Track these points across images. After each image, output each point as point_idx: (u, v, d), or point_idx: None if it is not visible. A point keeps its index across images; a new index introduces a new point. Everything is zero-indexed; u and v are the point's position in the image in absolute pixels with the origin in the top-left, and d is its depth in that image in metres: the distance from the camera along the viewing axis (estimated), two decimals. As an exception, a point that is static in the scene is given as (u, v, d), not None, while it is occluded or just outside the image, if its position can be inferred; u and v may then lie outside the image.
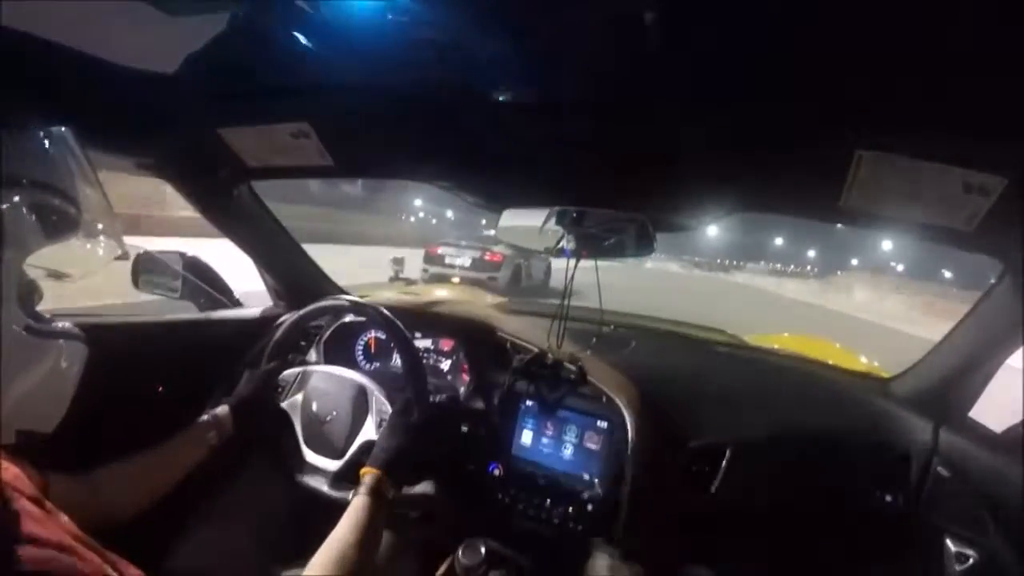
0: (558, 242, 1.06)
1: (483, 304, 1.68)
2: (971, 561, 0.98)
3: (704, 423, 1.14)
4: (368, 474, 0.82)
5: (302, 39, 0.69)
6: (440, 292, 2.46)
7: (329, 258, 1.72)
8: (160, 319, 1.26)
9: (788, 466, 1.13)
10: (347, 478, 0.94)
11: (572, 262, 1.07)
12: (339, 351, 1.31)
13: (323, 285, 1.51)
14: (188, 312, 1.37)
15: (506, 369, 1.21)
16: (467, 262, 9.01)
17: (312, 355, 1.28)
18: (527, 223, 1.08)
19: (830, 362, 1.48)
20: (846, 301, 23.50)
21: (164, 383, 1.18)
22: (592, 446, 1.10)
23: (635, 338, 1.43)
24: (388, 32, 0.64)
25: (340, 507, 0.80)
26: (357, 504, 0.77)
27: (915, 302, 20.50)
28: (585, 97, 0.75)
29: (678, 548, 1.13)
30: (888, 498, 1.08)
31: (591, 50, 0.65)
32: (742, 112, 0.72)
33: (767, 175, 0.86)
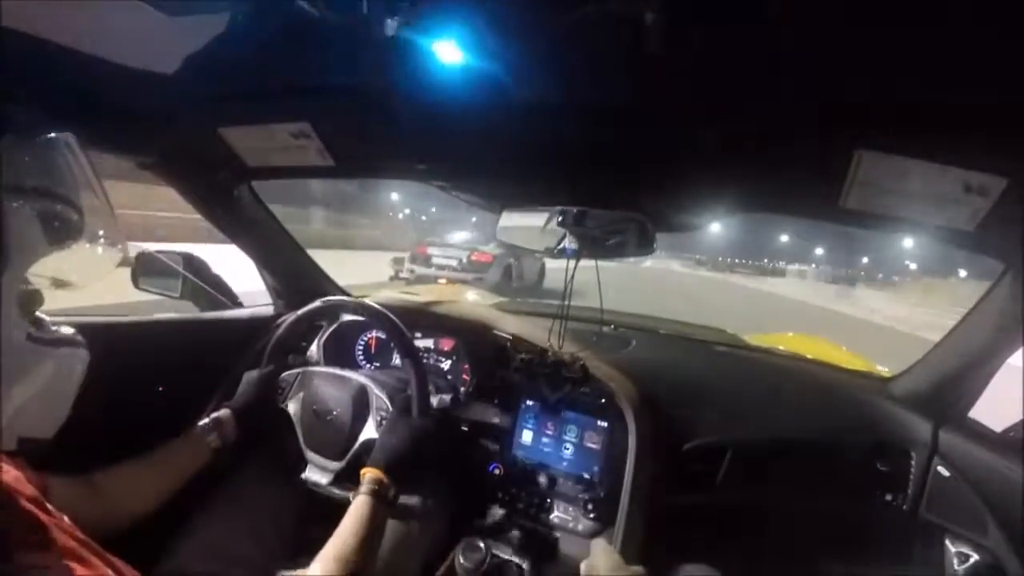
0: (558, 242, 1.06)
1: (484, 304, 1.68)
2: (971, 561, 0.98)
3: (704, 423, 1.14)
4: (368, 474, 0.82)
5: (302, 39, 0.69)
6: (440, 292, 2.46)
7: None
8: (160, 319, 1.26)
9: (788, 466, 1.13)
10: (348, 478, 0.95)
11: (572, 262, 1.07)
12: (339, 351, 1.31)
13: (323, 285, 1.51)
14: (188, 312, 1.37)
15: (506, 369, 1.21)
16: (453, 262, 8.76)
17: (312, 355, 1.28)
18: (527, 223, 1.08)
19: (830, 362, 1.48)
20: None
21: (164, 383, 1.18)
22: (592, 446, 1.10)
23: (635, 338, 1.43)
24: (389, 32, 0.64)
25: (341, 507, 0.80)
26: (358, 504, 0.77)
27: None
28: (585, 98, 0.75)
29: (678, 548, 1.13)
30: (888, 498, 1.08)
31: (591, 51, 0.65)
32: (742, 112, 0.72)
33: (767, 175, 0.86)
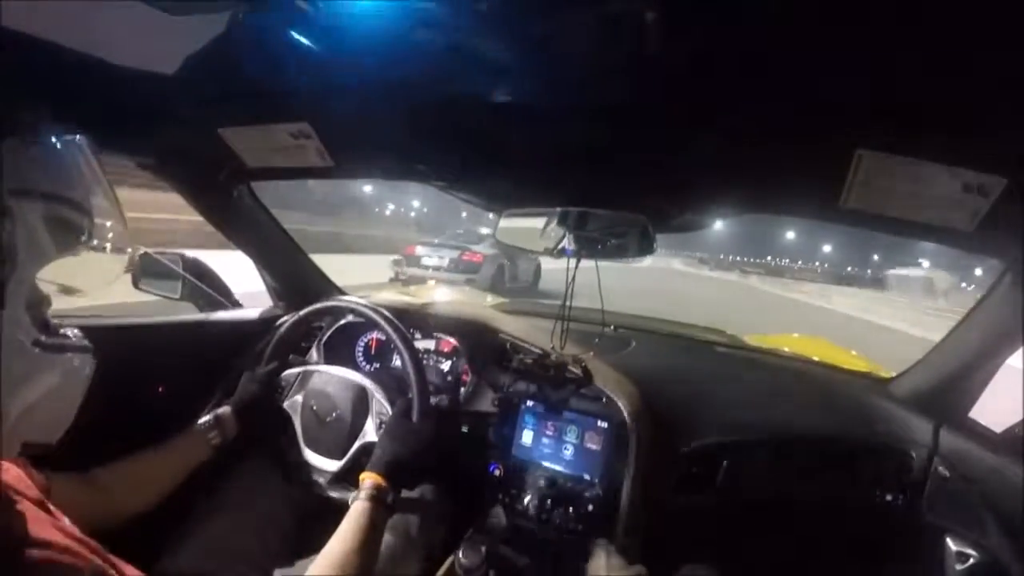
0: (559, 243, 1.06)
1: (484, 305, 1.68)
2: (971, 561, 0.98)
3: (704, 423, 1.14)
4: (368, 479, 0.81)
5: (302, 39, 0.69)
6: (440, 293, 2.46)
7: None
8: (161, 320, 1.26)
9: (788, 466, 1.13)
10: (347, 479, 0.95)
11: (573, 263, 1.07)
12: (339, 352, 1.31)
13: (323, 286, 1.51)
14: (188, 313, 1.37)
15: (507, 370, 1.21)
16: (444, 263, 8.56)
17: (312, 356, 1.28)
18: (527, 224, 1.09)
19: (830, 362, 1.48)
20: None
21: (165, 384, 1.18)
22: (593, 446, 1.10)
23: (635, 339, 1.43)
24: (388, 33, 0.64)
25: (340, 508, 0.80)
26: (357, 509, 0.77)
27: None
28: (585, 98, 0.75)
29: (678, 548, 1.13)
30: (888, 498, 1.08)
31: (591, 50, 0.65)
32: (742, 113, 0.72)
33: (767, 176, 0.87)
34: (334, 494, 0.95)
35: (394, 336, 1.02)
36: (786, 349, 1.63)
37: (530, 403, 1.17)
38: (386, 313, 1.03)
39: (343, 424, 0.98)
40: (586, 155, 0.90)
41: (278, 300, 1.49)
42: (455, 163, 1.04)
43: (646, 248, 1.03)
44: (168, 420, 0.94)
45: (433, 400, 1.02)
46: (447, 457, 1.14)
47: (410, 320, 1.09)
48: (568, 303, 1.10)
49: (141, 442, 0.86)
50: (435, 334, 1.33)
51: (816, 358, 1.54)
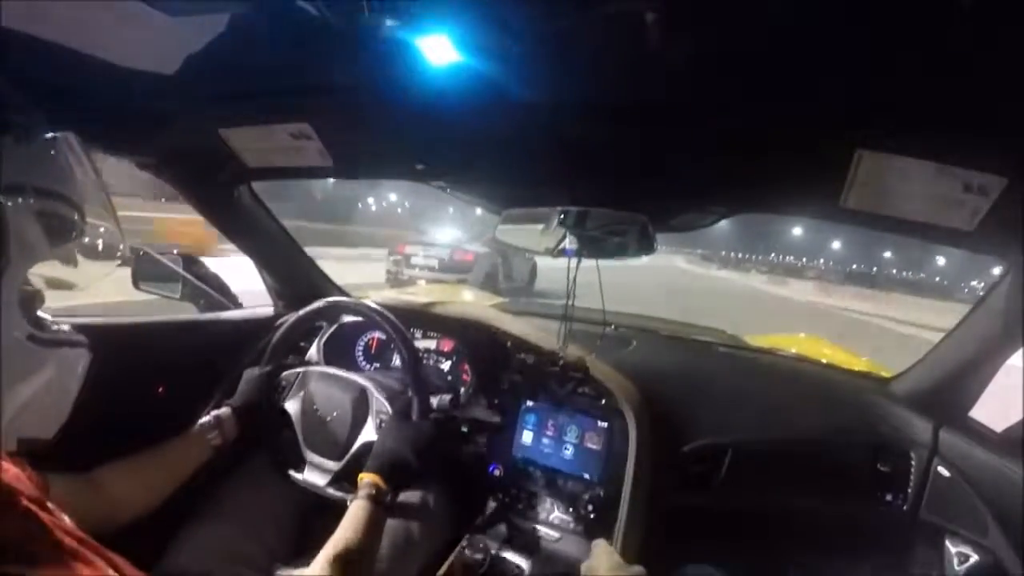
0: (559, 243, 1.06)
1: (484, 305, 1.68)
2: (971, 561, 0.98)
3: (704, 423, 1.14)
4: (366, 479, 0.81)
5: (302, 39, 0.69)
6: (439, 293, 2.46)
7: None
8: (161, 320, 1.26)
9: (788, 466, 1.13)
10: (347, 479, 0.94)
11: (574, 263, 1.07)
12: (339, 352, 1.31)
13: (323, 285, 1.51)
14: (188, 313, 1.37)
15: (506, 369, 1.21)
16: (434, 263, 8.30)
17: (312, 355, 1.28)
18: (528, 224, 1.08)
19: (830, 362, 1.48)
20: None
21: (165, 383, 1.18)
22: (593, 446, 1.10)
23: (636, 338, 1.43)
24: (388, 33, 0.64)
25: (340, 507, 0.80)
26: (356, 509, 0.77)
27: None
28: (586, 98, 0.75)
29: (678, 548, 1.13)
30: (889, 498, 1.08)
31: (592, 50, 0.65)
32: (742, 113, 0.72)
33: (768, 175, 0.87)
34: (334, 494, 0.95)
35: (394, 336, 1.02)
36: (786, 349, 1.63)
37: (530, 403, 1.17)
38: (386, 313, 1.03)
39: (343, 424, 0.98)
40: (586, 155, 0.90)
41: (278, 300, 1.49)
42: (455, 163, 1.04)
43: (646, 247, 1.03)
44: (168, 420, 0.94)
45: (433, 400, 1.02)
46: (447, 457, 1.14)
47: (410, 320, 1.09)
48: (571, 303, 1.10)
49: (141, 442, 0.86)
50: (435, 334, 1.33)
51: (816, 358, 1.54)
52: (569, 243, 1.04)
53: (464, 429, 1.18)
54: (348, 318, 1.29)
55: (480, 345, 1.27)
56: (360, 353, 1.37)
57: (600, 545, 0.93)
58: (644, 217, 1.00)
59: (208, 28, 0.69)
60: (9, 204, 0.47)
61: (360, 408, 0.99)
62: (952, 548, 1.01)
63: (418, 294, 1.56)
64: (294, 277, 1.48)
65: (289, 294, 1.46)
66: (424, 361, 1.31)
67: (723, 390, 1.23)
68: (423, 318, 1.32)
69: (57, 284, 0.58)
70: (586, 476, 1.09)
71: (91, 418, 0.61)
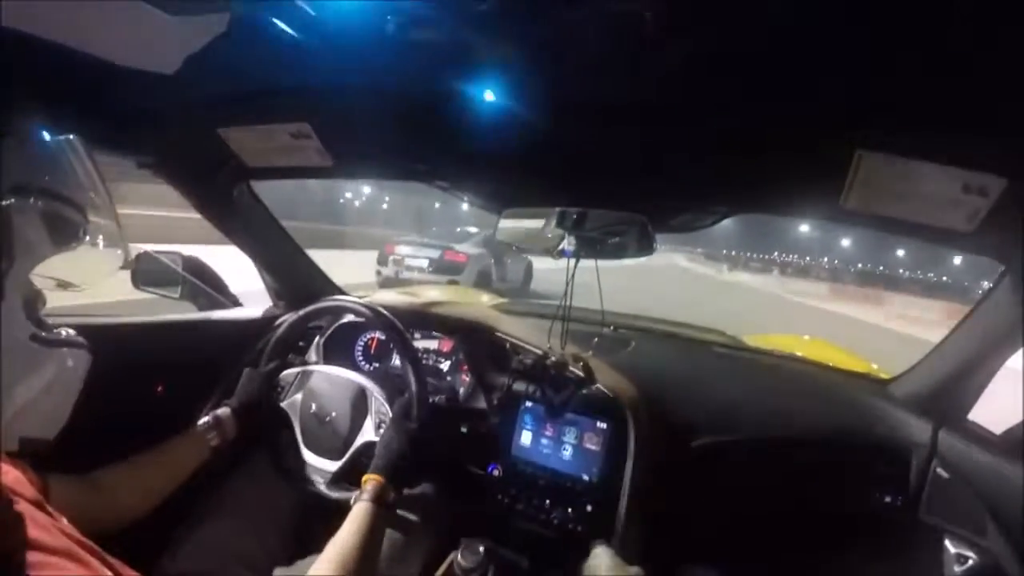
0: (558, 243, 1.06)
1: (484, 305, 1.68)
2: (971, 562, 0.98)
3: (704, 424, 1.14)
4: (370, 481, 0.81)
5: (302, 39, 0.69)
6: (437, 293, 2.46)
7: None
8: (160, 319, 1.26)
9: (788, 467, 1.13)
10: (346, 479, 0.94)
11: (572, 263, 1.07)
12: (339, 351, 1.31)
13: (323, 285, 1.51)
14: (188, 312, 1.37)
15: (506, 370, 1.20)
16: (424, 263, 7.97)
17: (312, 355, 1.28)
18: (527, 224, 1.09)
19: (830, 363, 1.48)
20: None
21: (164, 383, 1.18)
22: (592, 447, 1.10)
23: (635, 339, 1.43)
24: (388, 33, 0.65)
25: (339, 508, 0.80)
26: (359, 511, 0.77)
27: None
28: (586, 98, 0.75)
29: (678, 548, 1.13)
30: (888, 499, 1.08)
31: (591, 50, 0.65)
32: (742, 113, 0.72)
33: (767, 175, 0.87)
34: (333, 494, 0.95)
35: (393, 336, 1.02)
36: (786, 349, 1.62)
37: (529, 403, 1.17)
38: (385, 313, 1.03)
39: (342, 424, 0.98)
40: (586, 155, 0.90)
41: (277, 299, 1.49)
42: (455, 163, 1.04)
43: (646, 248, 1.03)
44: (167, 420, 0.94)
45: (432, 400, 1.02)
46: (446, 458, 1.14)
47: (409, 320, 1.09)
48: (568, 303, 1.10)
49: (140, 442, 0.86)
50: (434, 334, 1.33)
51: (816, 359, 1.54)
52: (568, 243, 1.04)
53: (463, 429, 1.18)
54: (347, 318, 1.29)
55: (479, 345, 1.27)
56: (359, 353, 1.37)
57: (599, 546, 0.93)
58: (643, 217, 1.00)
59: (208, 28, 0.69)
60: (13, 205, 0.48)
61: (359, 408, 0.99)
62: (951, 549, 1.01)
63: (419, 294, 1.56)
64: (294, 277, 1.48)
65: (288, 294, 1.46)
66: (423, 361, 1.31)
67: (722, 391, 1.23)
68: (422, 318, 1.32)
69: (60, 285, 0.58)
70: (585, 476, 1.09)
71: (90, 418, 0.61)
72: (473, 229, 9.44)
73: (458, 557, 0.98)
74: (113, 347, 0.82)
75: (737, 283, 24.61)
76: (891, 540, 1.12)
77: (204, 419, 0.95)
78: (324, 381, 1.04)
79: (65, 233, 0.54)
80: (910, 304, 20.41)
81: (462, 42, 0.66)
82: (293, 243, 1.45)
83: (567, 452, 1.12)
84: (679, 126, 0.79)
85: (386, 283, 7.84)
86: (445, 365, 1.32)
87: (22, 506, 0.45)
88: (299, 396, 1.04)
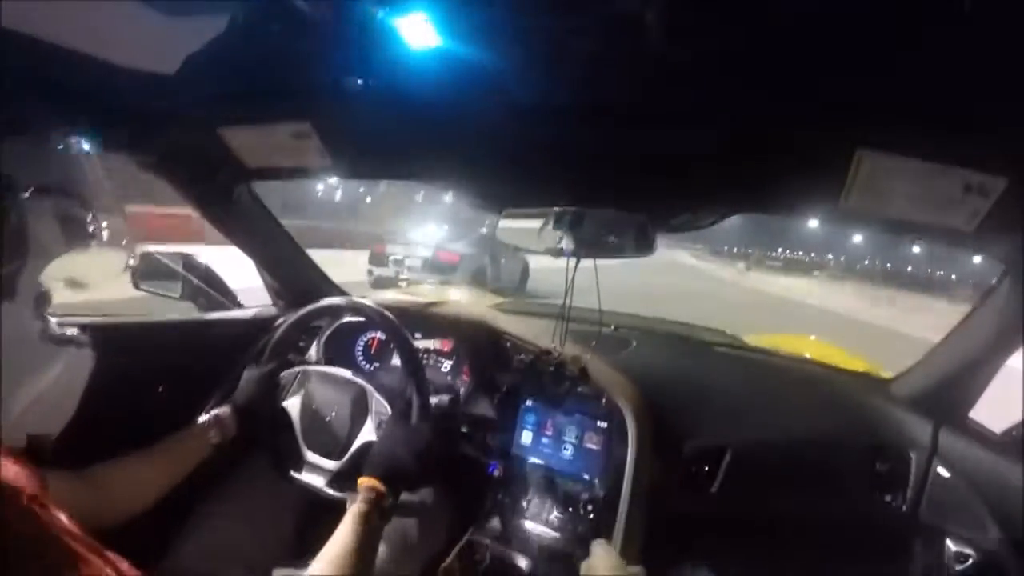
0: (558, 243, 1.06)
1: (484, 305, 1.68)
2: (971, 561, 0.98)
3: (704, 424, 1.14)
4: (366, 483, 0.81)
5: (302, 39, 0.69)
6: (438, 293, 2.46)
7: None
8: (161, 319, 1.26)
9: (788, 466, 1.13)
10: (346, 478, 0.94)
11: (572, 263, 1.07)
12: (339, 351, 1.31)
13: (323, 285, 1.51)
14: (188, 312, 1.37)
15: (506, 369, 1.20)
16: (416, 263, 7.85)
17: (312, 355, 1.28)
18: (526, 224, 1.08)
19: (830, 363, 1.48)
20: None
21: (165, 382, 1.18)
22: (592, 446, 1.10)
23: (635, 339, 1.43)
24: (388, 33, 0.65)
25: (339, 507, 0.80)
26: (355, 512, 0.77)
27: None
28: (585, 97, 0.75)
29: (678, 548, 1.13)
30: (888, 498, 1.08)
31: (591, 51, 0.65)
32: (742, 113, 0.72)
33: (768, 175, 0.86)
34: (333, 494, 0.95)
35: (393, 336, 1.02)
36: (786, 349, 1.63)
37: (529, 403, 1.17)
38: (385, 313, 1.03)
39: (342, 424, 0.98)
40: (586, 155, 0.90)
41: (277, 299, 1.49)
42: (455, 163, 1.04)
43: (645, 248, 1.03)
44: (168, 419, 0.94)
45: (432, 400, 1.02)
46: (447, 457, 1.14)
47: (410, 320, 1.09)
48: (568, 302, 1.10)
49: (140, 441, 0.86)
50: (435, 334, 1.33)
51: (816, 358, 1.54)
52: (567, 243, 1.04)
53: (464, 429, 1.18)
54: (348, 318, 1.29)
55: (480, 345, 1.27)
56: (360, 353, 1.37)
57: (599, 545, 0.93)
58: (643, 217, 0.99)
59: (208, 28, 0.69)
60: (27, 205, 0.48)
61: (359, 408, 0.99)
62: (952, 548, 1.01)
63: (420, 295, 1.56)
64: (294, 277, 1.48)
65: (289, 294, 1.46)
66: (424, 361, 1.31)
67: (723, 391, 1.23)
68: (423, 318, 1.32)
69: (69, 283, 0.59)
70: (585, 476, 1.09)
71: (91, 416, 0.62)
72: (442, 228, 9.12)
73: (458, 557, 0.98)
74: (114, 346, 0.83)
75: (765, 289, 20.16)
76: (891, 540, 1.12)
77: (204, 417, 0.95)
78: (324, 381, 1.04)
79: (77, 232, 0.54)
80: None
81: (462, 42, 0.66)
82: (293, 243, 1.45)
83: (568, 452, 1.12)
84: (679, 126, 0.79)
85: (378, 283, 7.75)
86: (445, 365, 1.32)
87: (19, 501, 0.45)
88: (299, 396, 1.04)
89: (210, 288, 1.40)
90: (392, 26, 0.64)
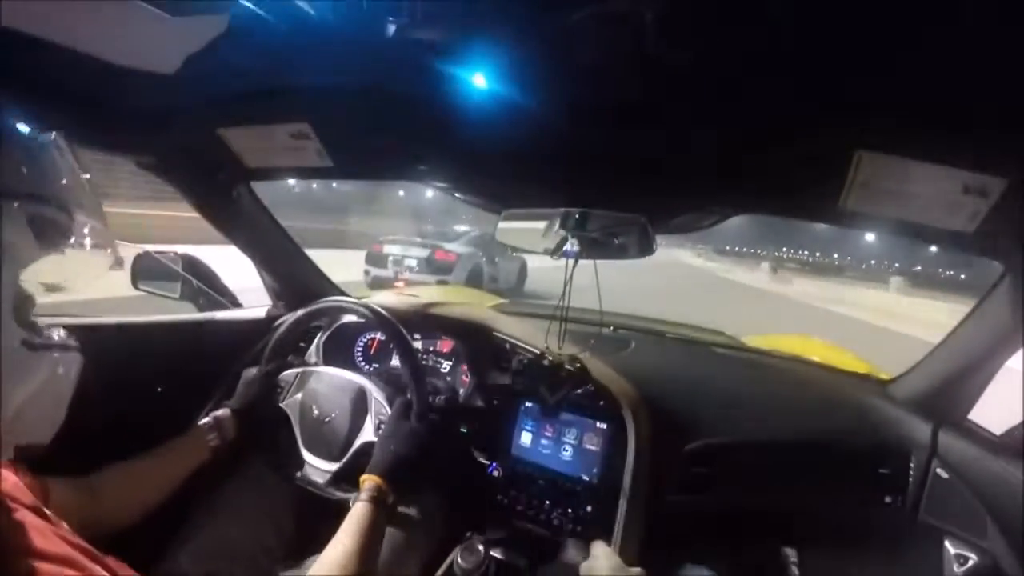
0: (559, 244, 1.06)
1: (484, 305, 1.68)
2: (970, 562, 0.98)
3: (704, 424, 1.14)
4: (368, 481, 0.81)
5: (302, 39, 0.69)
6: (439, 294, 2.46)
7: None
8: (159, 320, 1.26)
9: (788, 467, 1.13)
10: (346, 479, 0.94)
11: (571, 263, 1.07)
12: (338, 352, 1.31)
13: (322, 286, 1.51)
14: (188, 313, 1.37)
15: (506, 370, 1.20)
16: (413, 262, 7.86)
17: (311, 356, 1.28)
18: (528, 225, 1.08)
19: (830, 364, 1.48)
20: None
21: (163, 384, 1.17)
22: (591, 447, 1.10)
23: (635, 339, 1.43)
24: (387, 33, 0.64)
25: (339, 508, 0.80)
26: (357, 511, 0.77)
27: None
28: (585, 98, 0.75)
29: (677, 549, 1.13)
30: (888, 499, 1.08)
31: (592, 51, 0.65)
32: (742, 113, 0.72)
33: (767, 176, 0.86)
34: (333, 494, 0.95)
35: (392, 336, 1.02)
36: (785, 350, 1.63)
37: (528, 404, 1.17)
38: (385, 313, 1.03)
39: (342, 424, 0.98)
40: (586, 155, 0.90)
41: (277, 300, 1.48)
42: (456, 163, 1.04)
43: (646, 248, 1.03)
44: (166, 420, 0.94)
45: (432, 401, 1.02)
46: (446, 458, 1.14)
47: (409, 320, 1.09)
48: (566, 303, 1.10)
49: (140, 442, 0.86)
50: (434, 334, 1.33)
51: (815, 359, 1.54)
52: (568, 244, 1.04)
53: (463, 430, 1.18)
54: (347, 318, 1.28)
55: (479, 346, 1.27)
56: (359, 353, 1.37)
57: (599, 546, 0.93)
58: (643, 218, 0.99)
59: (208, 28, 0.69)
60: (1, 210, 0.47)
61: (359, 408, 0.99)
62: (951, 549, 1.01)
63: (419, 295, 1.56)
64: (293, 277, 1.48)
65: (288, 294, 1.46)
66: (423, 362, 1.31)
67: (722, 391, 1.23)
68: (422, 319, 1.32)
69: (49, 288, 0.57)
70: (585, 477, 1.09)
71: (89, 419, 0.61)
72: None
73: (458, 558, 0.98)
74: (113, 348, 0.82)
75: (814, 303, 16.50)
76: (891, 541, 1.12)
77: (204, 420, 0.95)
78: (324, 382, 1.04)
79: (52, 235, 0.53)
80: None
81: (462, 42, 0.66)
82: (293, 243, 1.45)
83: (567, 452, 1.12)
84: (679, 126, 0.79)
85: (375, 283, 7.75)
86: (445, 366, 1.32)
87: (21, 512, 0.45)
88: (299, 397, 1.04)
89: (210, 288, 1.40)
90: (390, 24, 0.64)
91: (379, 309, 1.03)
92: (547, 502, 1.09)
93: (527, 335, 1.23)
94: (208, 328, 1.33)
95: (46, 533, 0.44)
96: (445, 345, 1.33)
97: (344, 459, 0.96)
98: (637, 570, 0.83)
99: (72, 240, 0.55)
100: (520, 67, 0.69)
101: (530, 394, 1.17)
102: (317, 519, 0.94)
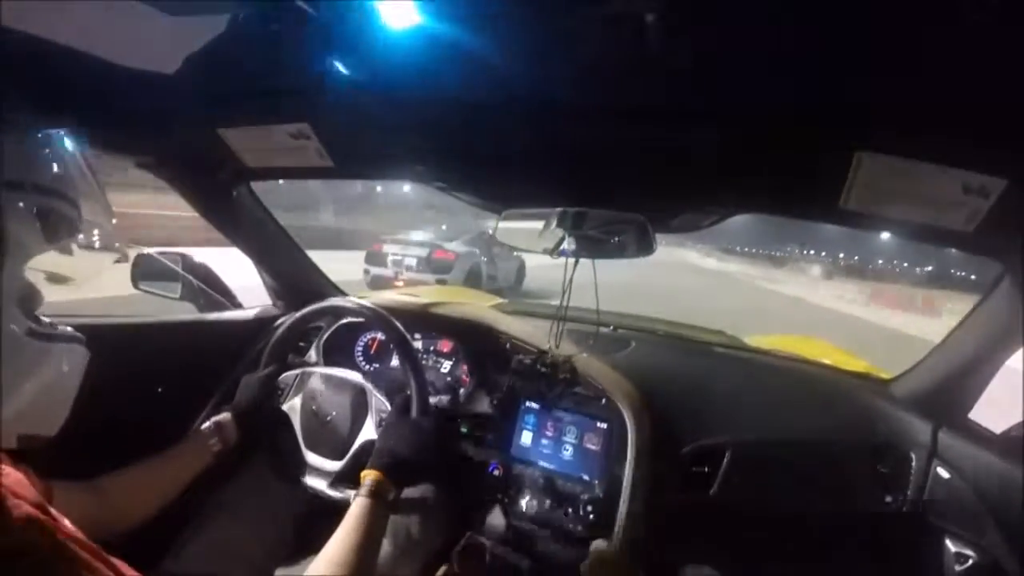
0: (558, 243, 1.06)
1: (484, 305, 1.68)
2: (971, 562, 0.98)
3: (704, 424, 1.14)
4: (368, 476, 0.81)
5: (302, 39, 0.69)
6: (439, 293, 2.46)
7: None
8: (160, 320, 1.26)
9: (788, 467, 1.13)
10: (347, 479, 0.94)
11: (571, 262, 1.07)
12: (339, 352, 1.31)
13: (322, 286, 1.51)
14: (188, 313, 1.37)
15: (506, 370, 1.20)
16: (412, 262, 7.91)
17: (311, 356, 1.28)
18: (527, 224, 1.08)
19: (830, 363, 1.48)
20: None
21: (164, 384, 1.17)
22: (592, 447, 1.10)
23: (634, 339, 1.43)
24: (388, 33, 0.64)
25: (340, 508, 0.80)
26: (358, 506, 0.77)
27: None
28: (586, 98, 0.75)
29: (678, 548, 1.13)
30: (888, 499, 1.08)
31: (592, 51, 0.65)
32: (742, 113, 0.72)
33: (767, 176, 0.86)
34: (335, 495, 0.95)
35: (393, 336, 1.02)
36: (785, 350, 1.62)
37: (529, 403, 1.17)
38: (384, 313, 1.03)
39: (343, 424, 0.98)
40: (586, 155, 0.90)
41: (277, 300, 1.48)
42: (455, 163, 1.04)
43: (645, 248, 1.03)
44: (167, 420, 0.95)
45: (432, 400, 1.02)
46: (447, 457, 1.14)
47: (409, 320, 1.09)
48: (566, 302, 1.10)
49: (139, 442, 0.86)
50: (434, 334, 1.33)
51: (815, 359, 1.54)
52: (567, 243, 1.04)
53: (464, 429, 1.18)
54: (347, 318, 1.28)
55: (479, 345, 1.27)
56: (359, 353, 1.37)
57: (600, 545, 0.93)
58: (643, 217, 1.00)
59: (208, 28, 0.69)
60: (5, 201, 0.48)
61: (359, 407, 0.99)
62: (951, 549, 1.01)
63: (419, 295, 1.56)
64: (293, 277, 1.48)
65: (288, 294, 1.46)
66: (423, 361, 1.31)
67: (723, 391, 1.23)
68: (422, 319, 1.32)
69: (54, 280, 0.58)
70: (585, 476, 1.09)
71: (90, 418, 0.61)
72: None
73: (458, 557, 0.98)
74: (113, 348, 0.82)
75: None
76: (891, 540, 1.12)
77: (205, 425, 0.95)
78: (324, 382, 1.04)
79: (59, 229, 0.54)
80: None
81: (463, 42, 0.66)
82: (293, 243, 1.45)
83: (567, 452, 1.12)
84: (679, 126, 0.79)
85: (375, 283, 7.79)
86: (445, 365, 1.32)
87: (24, 508, 0.45)
88: (299, 397, 1.04)
89: (209, 288, 1.40)
90: (391, 25, 0.64)
91: (379, 309, 1.03)
92: (547, 502, 1.10)
93: (527, 335, 1.23)
94: (209, 329, 1.33)
95: (50, 530, 0.44)
96: (445, 345, 1.33)
97: (345, 459, 0.96)
98: (637, 569, 0.83)
99: (78, 234, 0.56)
100: (521, 68, 0.69)
101: (530, 393, 1.17)
102: (319, 519, 0.94)
